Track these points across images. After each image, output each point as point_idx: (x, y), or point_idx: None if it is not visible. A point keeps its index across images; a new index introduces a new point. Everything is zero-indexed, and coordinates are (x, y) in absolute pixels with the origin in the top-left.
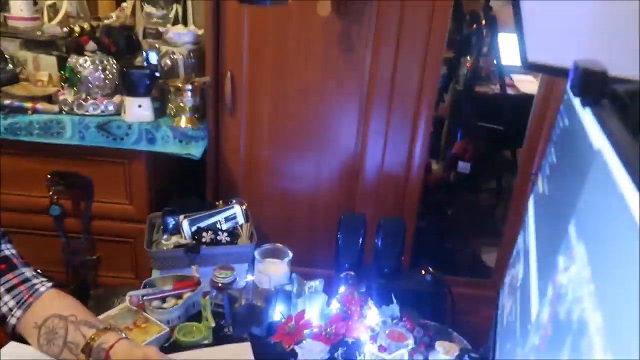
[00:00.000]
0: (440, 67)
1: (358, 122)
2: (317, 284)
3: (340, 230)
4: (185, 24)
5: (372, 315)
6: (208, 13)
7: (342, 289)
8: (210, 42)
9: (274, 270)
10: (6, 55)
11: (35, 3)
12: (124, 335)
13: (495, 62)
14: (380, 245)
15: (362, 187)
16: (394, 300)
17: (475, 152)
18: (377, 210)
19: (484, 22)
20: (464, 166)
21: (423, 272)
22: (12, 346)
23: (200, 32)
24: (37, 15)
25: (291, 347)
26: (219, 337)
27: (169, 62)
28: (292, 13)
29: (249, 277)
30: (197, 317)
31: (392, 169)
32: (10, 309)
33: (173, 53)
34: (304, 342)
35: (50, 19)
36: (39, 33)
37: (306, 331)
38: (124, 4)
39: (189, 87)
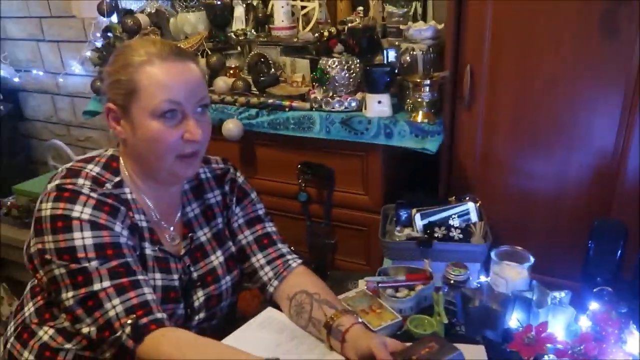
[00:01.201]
0: None
1: (620, 116)
2: (562, 295)
3: (592, 238)
4: (424, 20)
5: (634, 342)
6: (450, 6)
7: (594, 305)
8: (451, 35)
9: (512, 275)
10: (270, 61)
11: (292, 14)
12: (359, 320)
13: None
14: None
15: (620, 192)
16: None
17: None
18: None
19: None
20: None
21: None
22: (270, 311)
23: (441, 26)
24: (294, 25)
25: (531, 359)
26: (450, 335)
27: (408, 58)
28: None
29: (482, 278)
30: (427, 310)
31: None
32: (270, 279)
33: (413, 49)
34: (546, 357)
35: (303, 27)
36: (295, 40)
37: (548, 345)
38: (359, 8)
39: (427, 82)
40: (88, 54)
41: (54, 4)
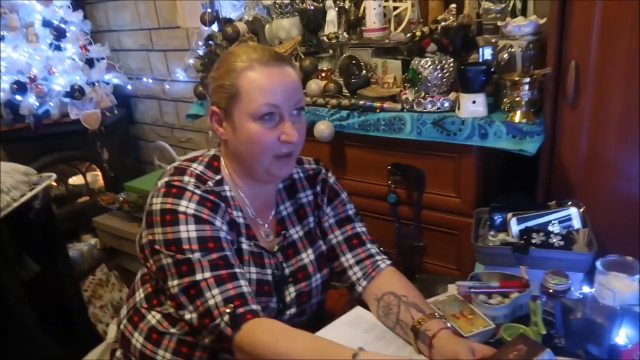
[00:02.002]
0: None
1: None
2: None
3: None
4: (524, 15)
5: None
6: None
7: None
8: (555, 30)
9: (620, 286)
10: (361, 63)
11: (384, 15)
12: (447, 325)
13: None
14: None
15: None
16: None
17: None
18: None
19: None
20: None
21: None
22: (359, 310)
23: (542, 21)
24: (385, 26)
25: None
26: (549, 347)
27: (506, 56)
28: None
29: (585, 289)
30: (523, 319)
31: None
32: (358, 279)
33: (511, 46)
34: None
35: (395, 28)
36: (386, 41)
37: None
38: (452, 5)
39: (527, 79)
40: (191, 61)
41: (162, 16)
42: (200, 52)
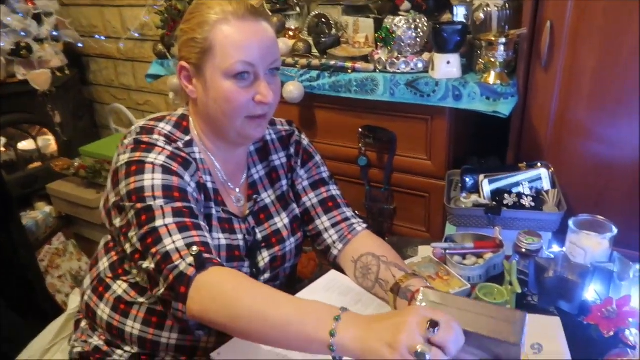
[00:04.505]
0: None
1: None
2: None
3: None
4: None
5: None
6: None
7: None
8: None
9: (591, 245)
10: (331, 22)
11: None
12: (428, 284)
13: None
14: None
15: None
16: None
17: None
18: None
19: None
20: None
21: None
22: (334, 273)
23: None
24: None
25: (611, 333)
26: (523, 305)
27: (481, 15)
28: None
29: (555, 248)
30: (497, 279)
31: None
32: (334, 242)
33: (487, 6)
34: (628, 331)
35: None
36: None
37: (631, 320)
38: None
39: (503, 40)
40: (147, 18)
41: None
42: (160, 8)
